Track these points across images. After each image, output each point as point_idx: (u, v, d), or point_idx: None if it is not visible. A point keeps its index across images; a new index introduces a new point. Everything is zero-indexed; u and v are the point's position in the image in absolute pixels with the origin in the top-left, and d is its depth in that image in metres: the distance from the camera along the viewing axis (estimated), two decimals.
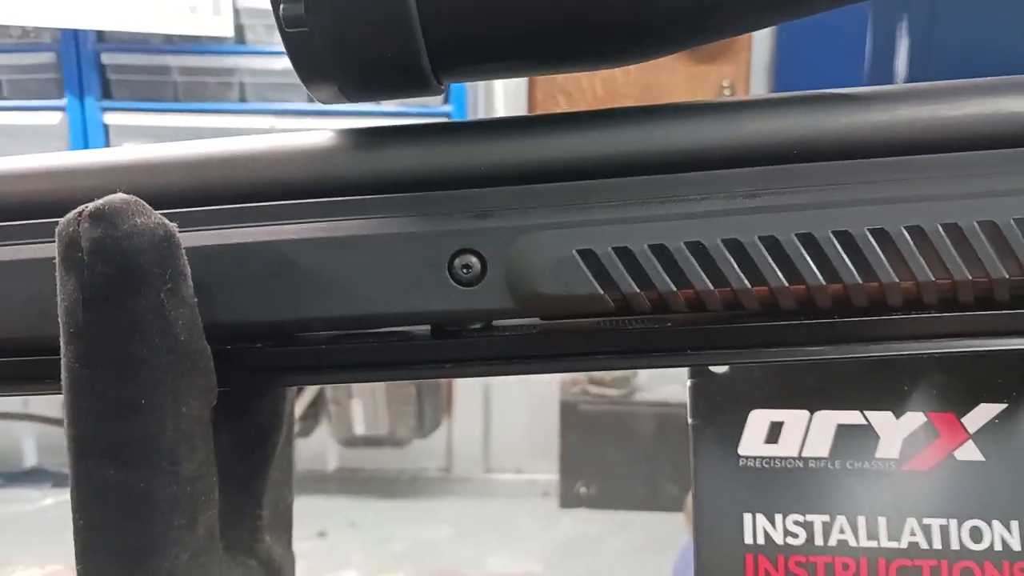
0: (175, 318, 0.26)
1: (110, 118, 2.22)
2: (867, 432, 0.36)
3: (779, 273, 0.26)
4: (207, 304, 0.27)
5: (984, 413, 0.36)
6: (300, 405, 2.26)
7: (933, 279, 0.26)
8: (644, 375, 2.41)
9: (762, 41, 2.21)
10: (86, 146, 2.18)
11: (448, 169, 0.29)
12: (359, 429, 2.29)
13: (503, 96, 2.34)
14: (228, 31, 2.19)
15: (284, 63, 2.28)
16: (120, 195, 0.26)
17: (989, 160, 0.27)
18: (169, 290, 0.26)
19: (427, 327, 0.30)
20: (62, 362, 0.26)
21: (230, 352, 0.29)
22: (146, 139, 2.16)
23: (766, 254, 0.26)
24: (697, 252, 0.26)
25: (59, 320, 0.26)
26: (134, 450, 0.26)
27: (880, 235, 0.26)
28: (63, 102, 2.22)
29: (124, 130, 2.22)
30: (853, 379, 0.36)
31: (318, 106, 2.27)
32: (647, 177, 0.28)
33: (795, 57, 2.07)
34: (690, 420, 0.37)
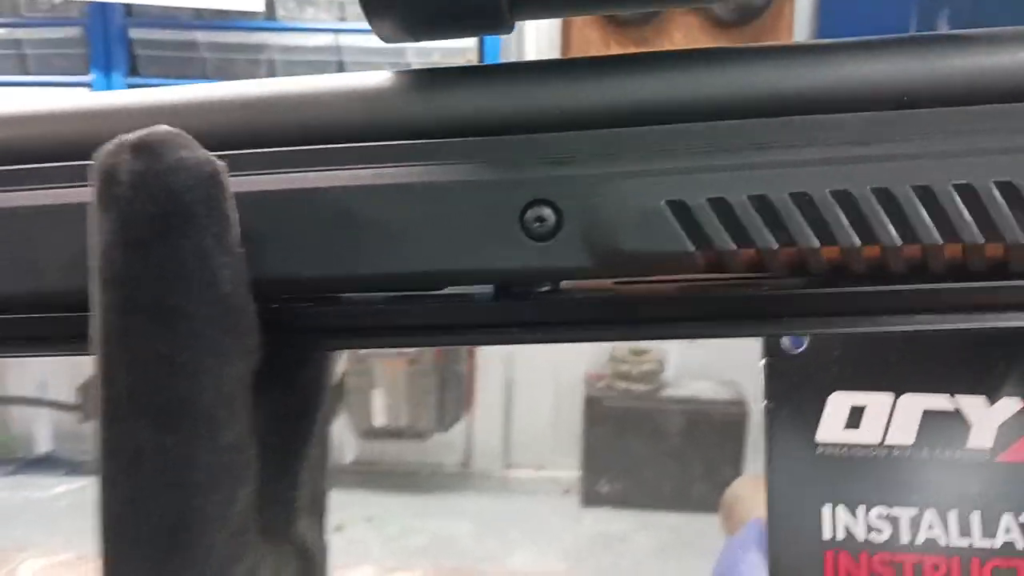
0: (220, 267, 0.23)
1: None
2: (957, 419, 0.33)
3: (892, 231, 0.24)
4: (254, 256, 0.25)
5: None
6: None
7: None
8: (672, 371, 2.37)
9: (803, 27, 2.17)
10: None
11: (521, 112, 0.26)
12: (379, 420, 2.26)
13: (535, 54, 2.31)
14: (259, 6, 2.16)
15: (315, 40, 2.26)
16: (164, 127, 0.23)
17: None
18: (215, 235, 0.23)
19: (490, 287, 0.27)
20: (95, 312, 0.24)
21: (276, 310, 0.27)
22: None
23: (879, 208, 0.24)
24: (803, 204, 0.24)
25: (93, 266, 0.23)
26: (171, 412, 0.23)
27: (1007, 189, 0.23)
28: (90, 78, 2.21)
29: None
30: (942, 359, 0.33)
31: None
32: (745, 121, 0.25)
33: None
34: (764, 402, 0.34)
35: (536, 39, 2.37)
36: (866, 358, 0.33)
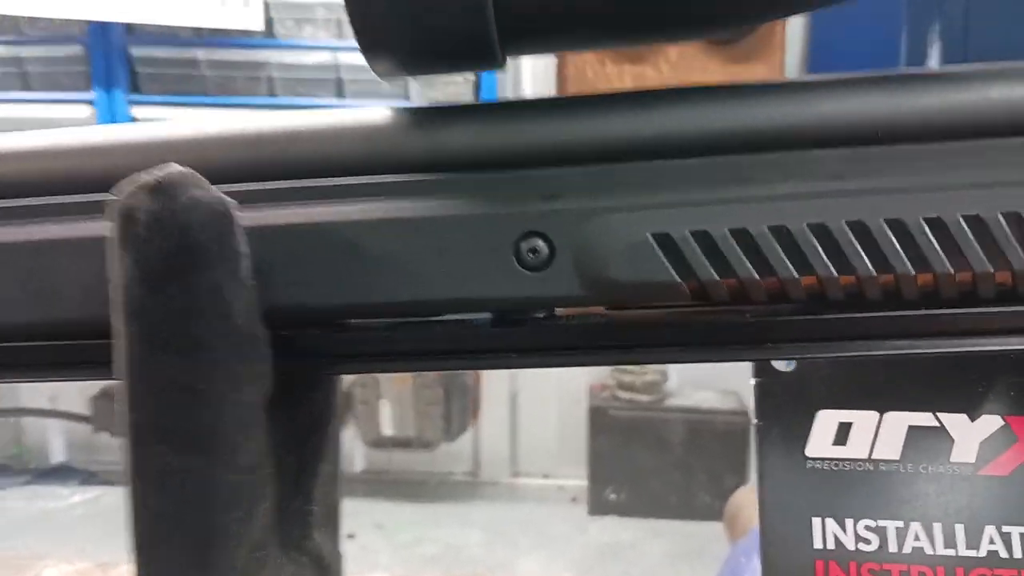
0: (233, 299, 0.25)
1: (138, 112, 2.24)
2: (940, 434, 0.34)
3: (867, 261, 0.25)
4: (265, 286, 0.26)
5: None
6: None
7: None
8: (674, 381, 2.38)
9: (794, 44, 2.18)
10: None
11: (515, 148, 0.27)
12: (387, 430, 2.28)
13: (531, 89, 2.33)
14: (258, 24, 2.18)
15: (314, 58, 2.29)
16: (176, 166, 0.25)
17: None
18: (228, 269, 0.25)
19: (488, 315, 0.29)
20: (119, 344, 0.25)
21: (286, 337, 0.28)
22: None
23: (854, 240, 0.25)
24: (781, 237, 0.25)
25: (114, 299, 0.25)
26: (194, 436, 0.25)
27: (974, 222, 0.25)
28: (91, 95, 2.23)
29: None
30: (924, 379, 0.35)
31: (348, 102, 2.27)
32: (727, 156, 0.26)
33: (828, 60, 2.04)
34: (755, 420, 0.35)
35: (532, 83, 2.38)
36: (853, 378, 0.35)
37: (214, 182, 0.26)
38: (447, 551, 1.98)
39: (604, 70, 2.09)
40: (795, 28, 2.24)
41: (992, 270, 0.25)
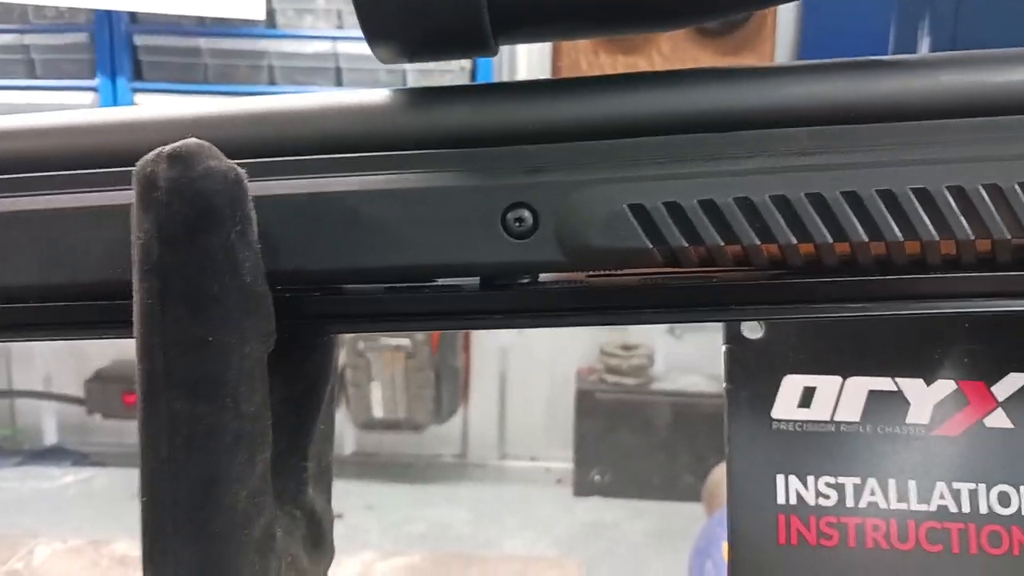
0: (243, 259, 0.27)
1: (141, 99, 2.25)
2: (898, 398, 0.37)
3: (824, 230, 0.27)
4: (270, 250, 0.28)
5: (1014, 382, 0.37)
6: None
7: (972, 238, 0.27)
8: (661, 365, 2.41)
9: (785, 35, 2.20)
10: None
11: (503, 126, 0.30)
12: (377, 412, 2.30)
13: (526, 71, 2.35)
14: (260, 14, 2.20)
15: (313, 47, 2.31)
16: (194, 139, 0.27)
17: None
18: (239, 231, 0.27)
19: (476, 279, 0.31)
20: (135, 299, 0.27)
21: (288, 298, 0.30)
22: None
23: (812, 211, 0.27)
24: (745, 208, 0.27)
25: (133, 259, 0.27)
26: (202, 385, 0.27)
27: (922, 194, 0.27)
28: (95, 82, 2.24)
29: None
30: (885, 346, 0.37)
31: (346, 89, 2.29)
32: (697, 135, 0.28)
33: (818, 51, 2.07)
34: (725, 384, 0.38)
35: (527, 69, 2.40)
36: (817, 344, 0.37)
37: (228, 156, 0.28)
38: (435, 530, 2.01)
39: (598, 60, 2.11)
40: (786, 20, 2.26)
41: (938, 239, 0.27)
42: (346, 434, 2.35)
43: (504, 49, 0.35)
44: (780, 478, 0.36)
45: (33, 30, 2.33)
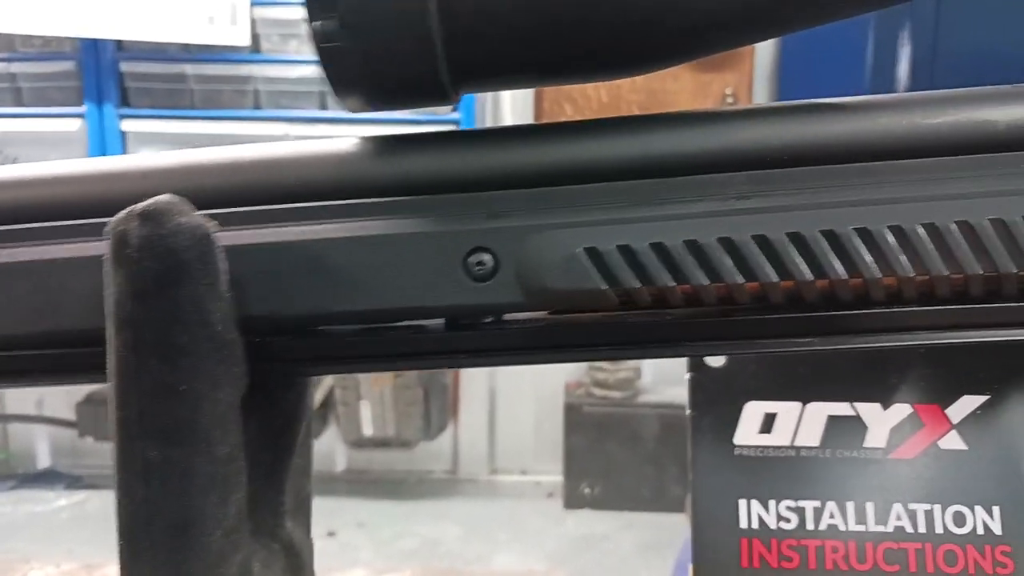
0: (212, 310, 0.28)
1: (127, 125, 2.27)
2: (856, 423, 0.38)
3: (769, 270, 0.29)
4: (241, 297, 0.30)
5: (967, 404, 0.38)
6: None
7: (913, 275, 0.29)
8: (648, 378, 2.43)
9: (765, 49, 2.23)
10: (103, 153, 2.22)
11: (464, 173, 0.31)
12: (367, 431, 2.31)
13: (511, 103, 2.38)
14: (245, 40, 2.22)
15: (297, 72, 2.33)
16: (166, 196, 0.28)
17: (964, 164, 0.29)
18: (208, 284, 0.28)
19: (442, 320, 0.32)
20: (110, 350, 0.28)
21: (260, 343, 0.32)
22: (163, 146, 2.20)
23: (758, 252, 0.29)
24: (693, 250, 0.29)
25: (107, 312, 0.28)
26: (175, 431, 0.28)
27: (864, 234, 0.28)
28: (83, 109, 2.26)
29: (141, 137, 2.26)
30: (843, 372, 0.38)
31: (329, 113, 2.31)
32: (648, 180, 0.30)
33: (797, 64, 2.09)
34: (688, 411, 0.39)
35: (511, 92, 2.42)
36: (778, 371, 0.38)
37: (199, 207, 0.29)
38: (425, 546, 2.02)
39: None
40: None
41: (880, 276, 0.29)
42: (337, 452, 2.36)
43: None
44: (742, 503, 0.37)
45: (20, 59, 2.35)
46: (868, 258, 0.28)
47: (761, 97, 2.12)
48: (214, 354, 0.29)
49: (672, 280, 0.29)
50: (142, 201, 0.28)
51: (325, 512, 2.14)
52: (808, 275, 0.29)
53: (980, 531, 0.37)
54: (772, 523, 0.37)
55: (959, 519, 0.37)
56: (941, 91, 0.31)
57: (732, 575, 0.37)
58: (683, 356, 0.33)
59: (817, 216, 0.28)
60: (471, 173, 0.31)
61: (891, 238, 0.28)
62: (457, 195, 0.30)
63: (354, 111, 0.31)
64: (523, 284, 0.29)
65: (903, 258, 0.28)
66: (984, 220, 0.28)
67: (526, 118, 2.27)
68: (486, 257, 0.29)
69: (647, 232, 0.29)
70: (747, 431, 0.38)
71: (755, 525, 0.37)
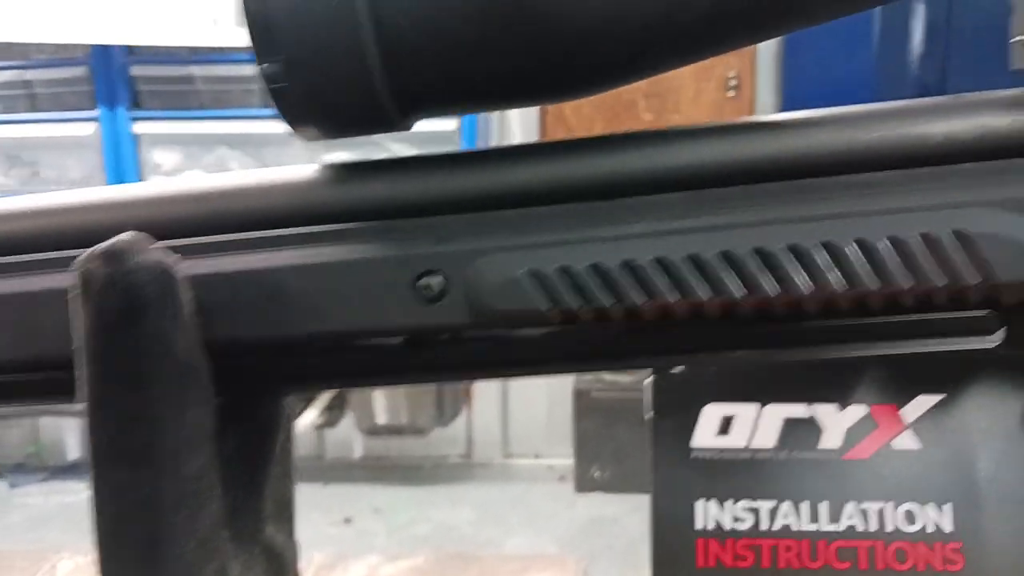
0: (176, 339, 0.30)
1: (140, 127, 2.30)
2: (812, 424, 0.39)
3: (704, 288, 0.30)
4: (207, 323, 0.31)
5: (922, 404, 0.39)
6: (325, 397, 2.31)
7: (846, 289, 0.30)
8: None
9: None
10: (118, 155, 2.25)
11: (413, 198, 0.32)
12: (381, 419, 2.34)
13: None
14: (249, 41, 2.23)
15: None
16: (127, 234, 0.30)
17: (895, 180, 0.30)
18: (170, 315, 0.30)
19: (400, 339, 0.34)
20: (79, 380, 0.30)
21: (228, 365, 0.33)
22: (175, 146, 2.22)
23: (692, 271, 0.30)
24: (630, 270, 0.30)
25: (77, 345, 0.30)
26: (142, 454, 0.30)
27: (795, 251, 0.29)
28: (96, 113, 2.29)
29: (153, 138, 2.29)
30: (800, 373, 0.39)
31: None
32: (587, 203, 0.31)
33: (802, 43, 2.08)
34: (648, 414, 0.40)
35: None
36: (736, 374, 0.40)
37: (163, 236, 0.31)
38: (440, 531, 2.05)
39: None
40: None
41: (813, 291, 0.30)
42: (354, 440, 2.39)
43: None
44: (699, 504, 0.39)
45: (34, 65, 2.39)
46: (801, 275, 0.29)
47: (766, 79, 2.10)
48: (179, 381, 0.30)
49: (611, 299, 0.30)
50: (111, 233, 0.30)
51: (342, 499, 2.18)
52: (741, 292, 0.30)
53: (930, 529, 0.38)
54: (728, 523, 0.38)
55: (910, 517, 0.38)
56: (878, 104, 0.32)
57: (689, 575, 0.38)
58: (626, 368, 0.34)
59: (749, 235, 0.30)
60: (421, 198, 0.32)
61: (823, 254, 0.29)
62: (407, 220, 0.32)
63: (312, 140, 0.32)
64: (471, 305, 0.31)
65: (835, 274, 0.29)
66: (916, 234, 0.29)
67: (531, 115, 2.27)
68: (435, 280, 0.31)
69: (586, 253, 0.30)
70: (705, 433, 0.39)
71: (711, 526, 0.38)
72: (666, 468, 0.39)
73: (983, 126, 0.30)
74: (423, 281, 0.31)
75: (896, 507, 0.38)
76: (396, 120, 0.31)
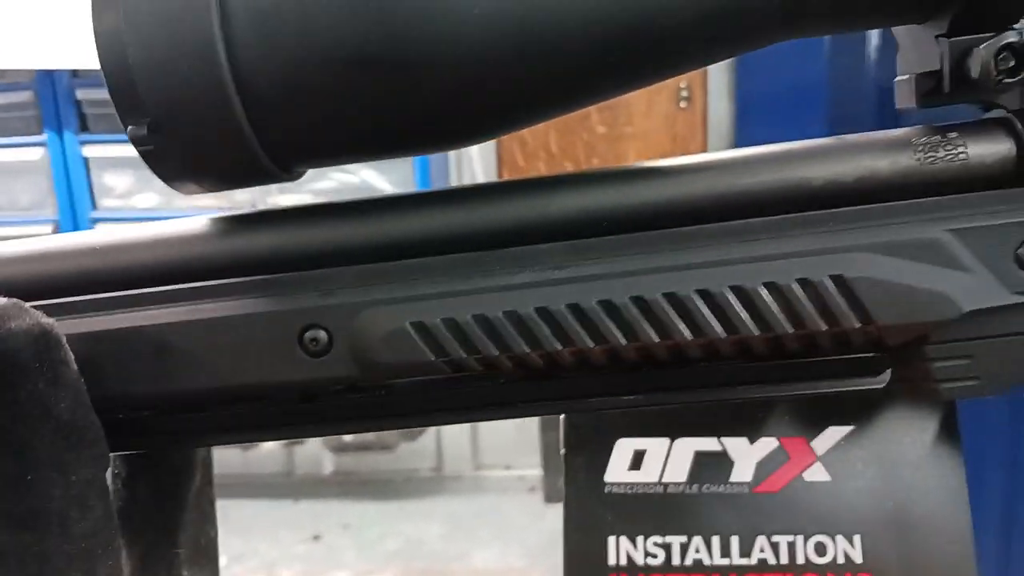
0: (56, 401, 0.30)
1: (89, 151, 2.27)
2: (723, 457, 0.39)
3: (585, 336, 0.30)
4: (95, 381, 0.31)
5: (832, 436, 0.39)
6: None
7: (724, 336, 0.30)
8: None
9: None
10: (68, 179, 2.23)
11: (298, 252, 0.32)
12: (347, 436, 2.32)
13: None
14: None
15: None
16: (1, 300, 0.29)
17: (774, 225, 0.30)
18: (49, 379, 0.29)
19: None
20: None
21: (122, 420, 0.33)
22: (126, 169, 2.20)
23: (572, 319, 0.30)
24: (513, 320, 0.30)
25: None
26: (26, 518, 0.30)
27: (672, 299, 0.29)
28: (43, 138, 2.27)
29: (103, 162, 2.26)
30: (711, 407, 0.40)
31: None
32: (468, 254, 0.31)
33: (755, 51, 2.08)
34: (562, 450, 0.40)
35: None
36: (647, 409, 0.40)
37: (46, 295, 0.30)
38: (409, 546, 2.04)
39: None
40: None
41: (692, 337, 0.30)
42: (323, 456, 2.38)
43: None
44: (612, 540, 0.39)
45: None
46: (679, 323, 0.29)
47: (718, 89, 2.10)
48: (62, 442, 0.30)
49: (496, 349, 0.30)
50: None
51: (311, 516, 2.17)
52: (621, 340, 0.30)
53: (841, 560, 0.38)
54: (640, 559, 0.38)
55: (820, 549, 0.38)
56: (761, 148, 0.32)
57: None
58: (517, 416, 0.34)
59: (628, 284, 0.30)
60: (305, 251, 0.32)
61: (699, 301, 0.29)
62: (291, 274, 0.32)
63: (190, 193, 0.32)
64: (357, 358, 0.31)
65: (712, 321, 0.29)
66: (792, 281, 0.29)
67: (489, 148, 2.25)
68: (321, 334, 0.31)
69: (470, 304, 0.30)
70: (617, 468, 0.39)
71: (623, 562, 0.38)
72: (578, 504, 0.39)
73: (863, 168, 0.30)
74: (308, 335, 0.31)
75: (807, 540, 0.38)
76: (277, 173, 0.30)
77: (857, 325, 0.29)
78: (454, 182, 2.17)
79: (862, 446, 0.39)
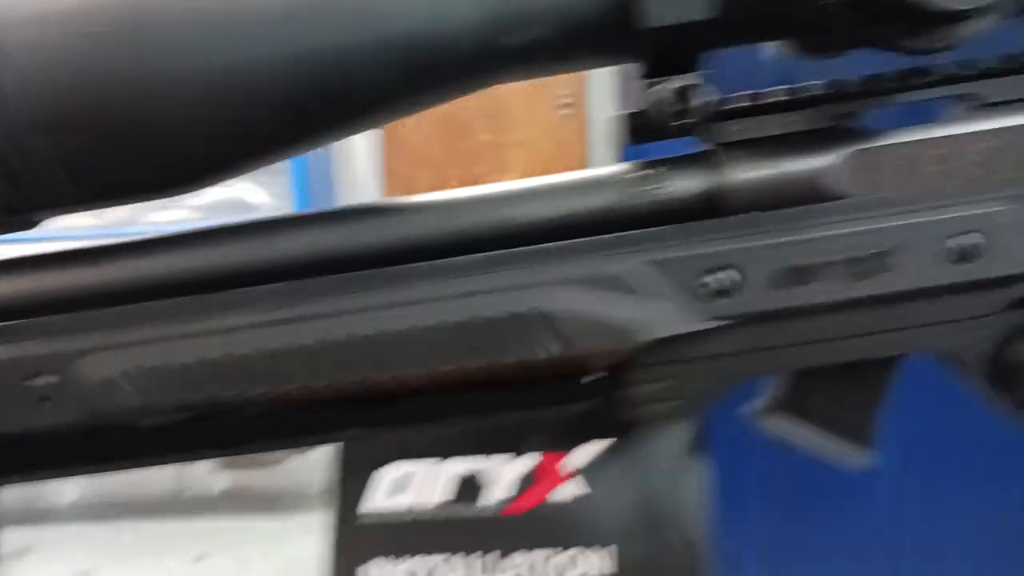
0: None
1: None
2: (482, 477, 0.40)
3: (300, 375, 0.31)
4: None
5: (592, 449, 0.41)
6: None
7: (445, 368, 0.31)
8: None
9: None
10: None
11: (23, 299, 0.32)
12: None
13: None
14: None
15: None
16: None
17: (477, 263, 0.31)
18: None
19: None
20: None
21: None
22: None
23: (289, 360, 0.31)
24: (227, 362, 0.30)
25: None
26: None
27: (386, 335, 0.31)
28: None
29: None
30: (474, 428, 0.41)
31: None
32: (188, 297, 0.31)
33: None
34: (332, 478, 0.41)
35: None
36: (405, 433, 0.40)
37: None
38: (288, 566, 2.01)
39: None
40: None
41: (391, 377, 0.31)
42: (213, 473, 2.33)
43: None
44: (374, 564, 0.39)
45: None
46: (396, 357, 0.31)
47: (599, 97, 2.12)
48: None
49: (211, 393, 0.31)
50: None
51: (198, 535, 2.12)
52: (344, 376, 0.31)
53: (593, 572, 0.39)
54: None
55: (573, 562, 0.39)
56: (476, 189, 0.33)
57: None
58: (250, 452, 0.34)
59: (329, 325, 0.31)
60: (32, 298, 0.32)
61: (416, 336, 0.30)
62: (15, 322, 0.32)
63: None
64: (82, 405, 0.31)
65: (429, 354, 0.31)
66: (500, 313, 0.31)
67: (376, 136, 2.22)
68: (50, 379, 0.31)
69: (180, 350, 0.31)
70: (377, 495, 0.40)
71: None
72: (339, 530, 0.40)
73: (564, 207, 0.32)
74: (38, 381, 0.31)
75: (559, 554, 0.40)
76: (9, 223, 0.30)
77: (558, 354, 0.31)
78: (337, 193, 2.15)
79: (623, 457, 0.41)
